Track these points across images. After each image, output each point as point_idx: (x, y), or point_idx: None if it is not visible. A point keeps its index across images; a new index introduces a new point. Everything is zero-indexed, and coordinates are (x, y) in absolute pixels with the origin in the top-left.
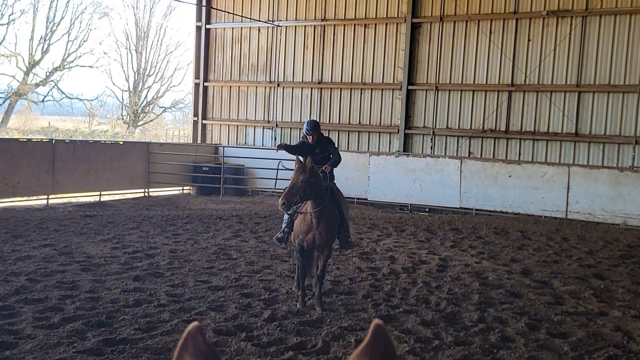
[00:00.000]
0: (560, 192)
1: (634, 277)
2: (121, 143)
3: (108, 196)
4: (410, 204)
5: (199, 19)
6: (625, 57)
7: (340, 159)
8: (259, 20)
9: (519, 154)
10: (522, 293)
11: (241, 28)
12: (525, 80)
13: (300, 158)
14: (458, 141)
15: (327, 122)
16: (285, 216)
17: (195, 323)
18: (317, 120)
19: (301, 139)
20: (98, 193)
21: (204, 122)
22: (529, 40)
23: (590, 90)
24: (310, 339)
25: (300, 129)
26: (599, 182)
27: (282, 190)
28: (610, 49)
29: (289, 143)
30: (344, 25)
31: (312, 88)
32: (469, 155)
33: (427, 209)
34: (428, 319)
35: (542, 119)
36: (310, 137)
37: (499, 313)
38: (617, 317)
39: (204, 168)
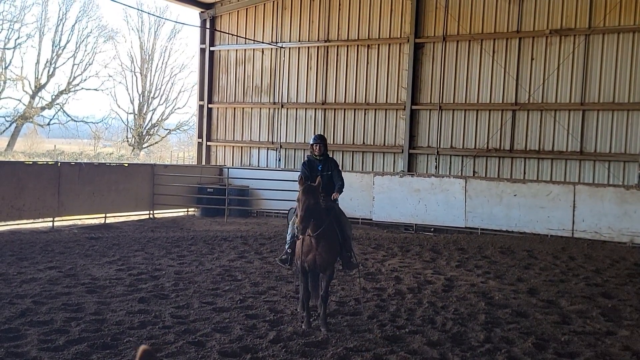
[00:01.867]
0: (566, 210)
1: None
2: (126, 165)
3: (113, 218)
4: (415, 224)
5: (202, 41)
6: (629, 74)
7: (344, 184)
8: (263, 42)
9: (524, 173)
10: (528, 313)
11: (245, 50)
12: (529, 99)
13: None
14: (462, 161)
15: (332, 142)
16: (288, 237)
17: (143, 347)
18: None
19: (307, 158)
20: (103, 215)
21: (208, 143)
22: (532, 59)
23: (594, 109)
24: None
25: (305, 149)
26: (604, 201)
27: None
28: (614, 67)
29: (292, 166)
30: (347, 45)
31: (316, 109)
32: (473, 174)
33: (432, 229)
34: (434, 339)
35: (547, 138)
36: (317, 146)
37: (506, 333)
38: (625, 337)
39: (208, 189)
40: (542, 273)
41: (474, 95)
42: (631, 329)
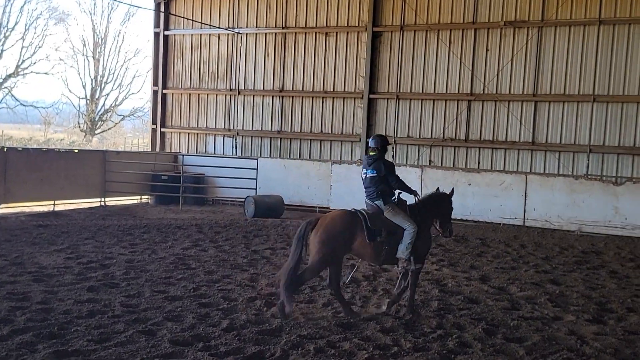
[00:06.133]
0: (518, 199)
1: (587, 282)
2: (76, 151)
3: (62, 205)
4: None
5: (157, 25)
6: (579, 67)
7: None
8: (219, 27)
9: (478, 163)
10: (480, 299)
11: (200, 35)
12: (483, 89)
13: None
14: (419, 150)
15: (289, 130)
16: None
17: None
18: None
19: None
20: (52, 202)
21: (163, 130)
22: (487, 50)
23: (546, 100)
24: (269, 347)
25: (262, 137)
26: (555, 190)
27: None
28: (565, 59)
29: (249, 153)
30: (305, 33)
31: (273, 96)
32: (429, 164)
33: None
34: (387, 326)
35: (501, 128)
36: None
37: (458, 319)
38: (571, 322)
39: (162, 177)
40: (494, 261)
41: (431, 85)
42: (577, 314)
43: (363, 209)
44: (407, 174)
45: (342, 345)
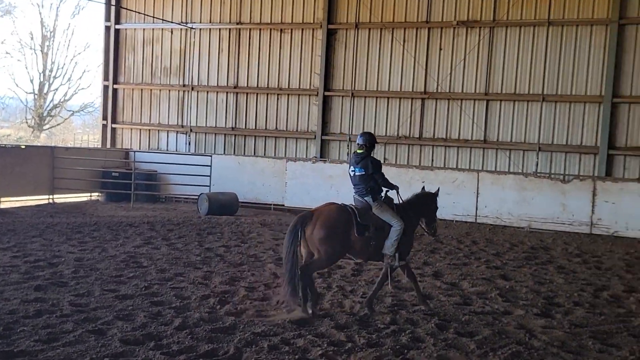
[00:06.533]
0: (470, 197)
1: (536, 277)
2: (23, 147)
3: (8, 203)
4: None
5: (107, 18)
6: (529, 67)
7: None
8: (172, 22)
9: (432, 160)
10: (433, 295)
11: (153, 29)
12: (437, 88)
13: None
14: None
15: (244, 127)
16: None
17: None
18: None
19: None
20: None
21: (113, 126)
22: (440, 49)
23: (497, 99)
24: (222, 346)
25: (216, 133)
26: (505, 188)
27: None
28: (516, 59)
29: (202, 150)
30: (260, 29)
31: (227, 92)
32: (384, 161)
33: None
34: (342, 322)
35: (454, 126)
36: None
37: (411, 315)
38: (520, 316)
39: (113, 174)
40: (447, 257)
41: (385, 83)
42: (526, 308)
43: (352, 205)
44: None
45: (296, 342)
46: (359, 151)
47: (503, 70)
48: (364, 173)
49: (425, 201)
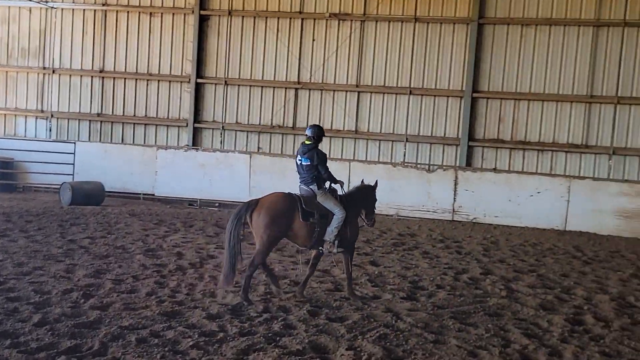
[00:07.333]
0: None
1: (403, 262)
2: None
3: None
4: (200, 199)
5: None
6: (397, 61)
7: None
8: (30, 0)
9: None
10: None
11: (9, 7)
12: (310, 78)
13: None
14: (247, 136)
15: (111, 113)
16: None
17: None
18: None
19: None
20: None
21: None
22: (313, 40)
23: (368, 91)
24: (86, 341)
25: (80, 119)
26: (375, 176)
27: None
28: (385, 53)
29: (65, 137)
30: (128, 12)
31: (92, 76)
32: (257, 150)
33: (216, 204)
34: (214, 312)
35: (327, 117)
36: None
37: (283, 302)
38: (387, 300)
39: None
40: None
41: (259, 72)
42: (393, 293)
43: (297, 193)
44: (235, 160)
45: (166, 335)
46: (307, 142)
47: (373, 63)
48: (309, 163)
49: (366, 193)
